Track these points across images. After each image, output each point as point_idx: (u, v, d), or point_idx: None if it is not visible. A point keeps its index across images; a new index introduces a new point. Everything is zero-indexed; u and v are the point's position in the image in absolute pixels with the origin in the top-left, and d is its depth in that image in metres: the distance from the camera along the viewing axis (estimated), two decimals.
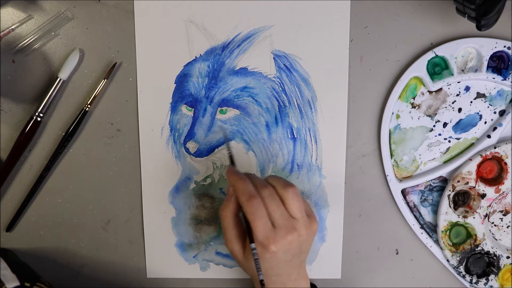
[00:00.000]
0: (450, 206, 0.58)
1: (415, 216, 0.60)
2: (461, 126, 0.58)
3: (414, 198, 0.60)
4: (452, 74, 0.56)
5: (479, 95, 0.58)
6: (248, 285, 0.61)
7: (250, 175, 0.49)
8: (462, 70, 0.57)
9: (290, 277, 0.50)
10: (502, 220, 0.60)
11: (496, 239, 0.60)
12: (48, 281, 0.54)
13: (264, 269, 0.47)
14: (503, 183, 0.58)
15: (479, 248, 0.60)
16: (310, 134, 0.58)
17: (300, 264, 0.50)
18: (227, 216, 0.48)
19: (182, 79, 0.57)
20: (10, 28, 0.55)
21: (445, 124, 0.58)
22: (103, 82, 0.56)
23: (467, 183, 0.58)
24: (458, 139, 0.59)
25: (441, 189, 0.59)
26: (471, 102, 0.58)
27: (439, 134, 0.58)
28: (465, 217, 0.59)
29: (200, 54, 0.56)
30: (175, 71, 0.57)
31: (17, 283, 0.50)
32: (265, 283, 0.47)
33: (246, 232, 0.48)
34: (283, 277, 0.49)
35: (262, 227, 0.46)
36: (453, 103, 0.58)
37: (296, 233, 0.47)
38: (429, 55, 0.56)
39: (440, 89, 0.57)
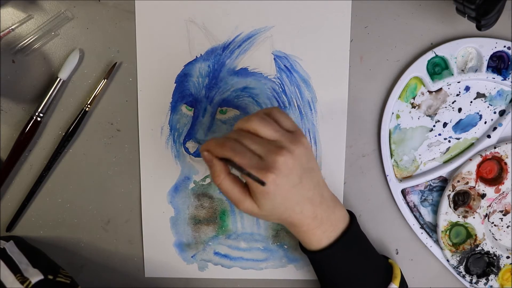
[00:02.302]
0: (450, 206, 0.58)
1: (415, 216, 0.60)
2: (461, 126, 0.58)
3: (414, 198, 0.60)
4: (452, 74, 0.56)
5: (479, 95, 0.58)
6: (245, 285, 0.61)
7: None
8: (462, 70, 0.57)
9: (314, 202, 0.47)
10: (502, 220, 0.60)
11: (496, 239, 0.60)
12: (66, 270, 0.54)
13: (281, 205, 0.45)
14: (503, 183, 0.58)
15: (479, 248, 0.60)
16: (309, 135, 0.58)
17: (317, 184, 0.47)
18: (222, 179, 0.45)
19: (182, 78, 0.57)
20: (10, 28, 0.55)
21: (445, 124, 0.58)
22: (103, 82, 0.56)
23: (467, 183, 0.58)
24: (458, 139, 0.59)
25: (441, 189, 0.59)
26: (471, 102, 0.58)
27: (439, 134, 0.58)
28: (465, 217, 0.59)
29: (201, 54, 0.56)
30: (176, 71, 0.57)
31: (41, 277, 0.49)
32: (294, 220, 0.46)
33: (247, 191, 0.45)
34: (306, 205, 0.46)
35: (249, 161, 0.43)
36: (453, 103, 0.58)
37: (285, 151, 0.43)
38: (429, 55, 0.56)
39: (440, 89, 0.57)
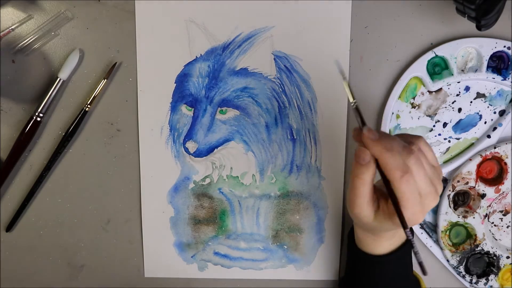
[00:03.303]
0: (450, 206, 0.58)
1: None
2: (461, 126, 0.58)
3: None
4: (452, 74, 0.56)
5: (479, 95, 0.58)
6: (245, 285, 0.61)
7: (382, 135, 0.42)
8: (462, 70, 0.57)
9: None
10: (502, 220, 0.60)
11: (496, 239, 0.60)
12: None
13: (396, 230, 0.48)
14: (503, 183, 0.58)
15: (479, 248, 0.60)
16: (309, 135, 0.58)
17: None
18: (363, 184, 0.42)
19: (183, 78, 0.57)
20: (10, 28, 0.55)
21: (445, 124, 0.58)
22: (103, 82, 0.56)
23: (467, 183, 0.58)
24: (458, 139, 0.59)
25: None
26: (471, 102, 0.58)
27: (439, 134, 0.58)
28: (465, 217, 0.59)
29: (201, 54, 0.56)
30: (176, 71, 0.57)
31: None
32: (385, 235, 0.48)
33: (375, 199, 0.44)
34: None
35: (412, 208, 0.41)
36: (453, 103, 0.58)
37: (438, 197, 0.43)
38: (429, 55, 0.56)
39: (440, 89, 0.57)
